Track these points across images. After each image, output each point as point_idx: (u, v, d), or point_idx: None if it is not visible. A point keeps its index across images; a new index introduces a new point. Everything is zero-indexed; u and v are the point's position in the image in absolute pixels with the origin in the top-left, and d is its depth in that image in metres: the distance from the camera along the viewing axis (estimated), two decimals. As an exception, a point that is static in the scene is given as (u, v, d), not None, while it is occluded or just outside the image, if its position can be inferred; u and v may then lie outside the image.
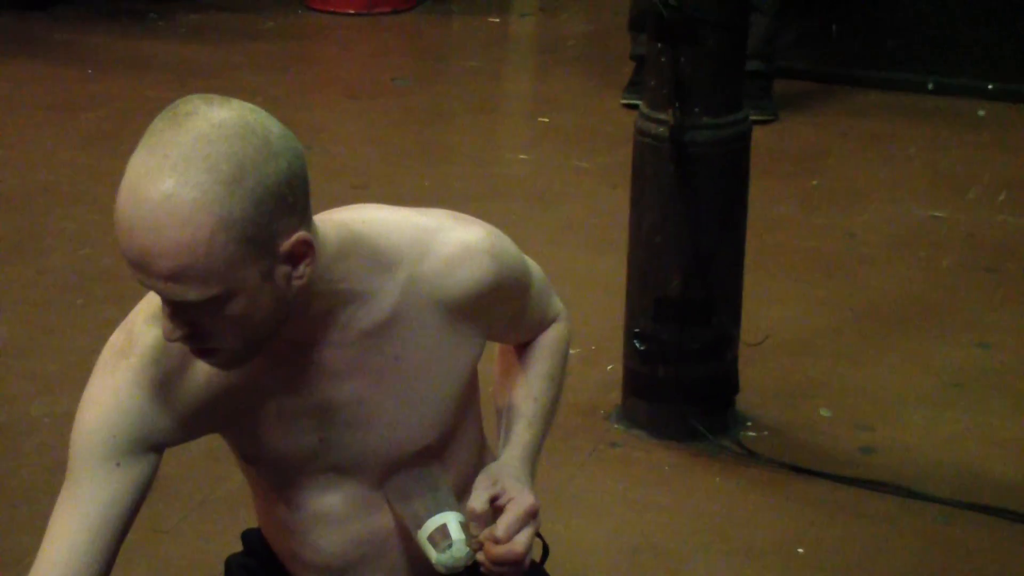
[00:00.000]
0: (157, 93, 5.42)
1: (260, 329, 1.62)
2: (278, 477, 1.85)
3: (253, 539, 2.06)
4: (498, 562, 1.77)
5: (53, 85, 5.53)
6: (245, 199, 1.53)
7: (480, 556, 1.78)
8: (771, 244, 4.05)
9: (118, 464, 1.72)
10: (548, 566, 2.01)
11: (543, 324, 1.99)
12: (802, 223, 4.37)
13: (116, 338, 1.76)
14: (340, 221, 1.72)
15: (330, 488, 1.85)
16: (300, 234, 1.59)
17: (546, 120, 5.33)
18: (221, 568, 2.10)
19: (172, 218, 1.51)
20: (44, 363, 3.45)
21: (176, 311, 1.58)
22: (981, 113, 5.25)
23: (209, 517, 2.87)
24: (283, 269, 1.60)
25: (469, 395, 1.88)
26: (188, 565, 2.67)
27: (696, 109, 2.99)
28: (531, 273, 1.91)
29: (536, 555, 1.99)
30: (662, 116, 3.01)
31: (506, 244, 1.83)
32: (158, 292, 1.57)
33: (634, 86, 5.14)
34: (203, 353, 1.65)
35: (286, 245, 1.58)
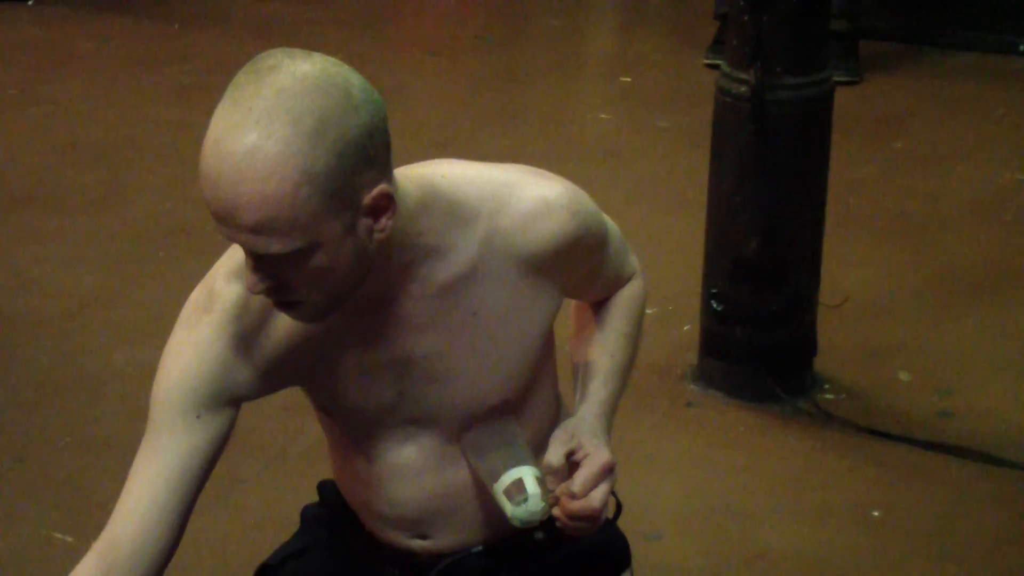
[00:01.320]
0: (241, 48, 5.45)
1: (343, 282, 1.64)
2: (356, 429, 1.87)
3: (328, 490, 2.08)
4: (574, 517, 1.78)
5: (138, 41, 5.58)
6: (328, 152, 1.54)
7: (556, 511, 1.79)
8: (852, 206, 4.02)
9: (198, 416, 1.74)
10: (621, 524, 2.02)
11: (619, 282, 1.99)
12: (884, 186, 4.34)
13: (198, 294, 1.78)
14: (420, 175, 1.73)
15: (407, 440, 1.86)
16: (382, 187, 1.60)
17: (628, 80, 5.31)
18: (297, 518, 2.13)
19: (256, 171, 1.52)
20: (126, 314, 3.50)
21: (260, 264, 1.60)
22: (1067, 76, 5.19)
23: (286, 469, 2.90)
24: (365, 222, 1.61)
25: (545, 351, 1.88)
26: (265, 514, 2.70)
27: (778, 69, 2.97)
28: (608, 230, 1.91)
29: (610, 512, 2.00)
30: (743, 75, 2.99)
31: (584, 200, 1.83)
32: (242, 245, 1.59)
33: (717, 45, 5.11)
34: (286, 306, 1.66)
35: (368, 198, 1.59)
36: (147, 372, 3.49)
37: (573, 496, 1.77)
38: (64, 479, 2.84)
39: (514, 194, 1.76)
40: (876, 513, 2.79)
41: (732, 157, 3.06)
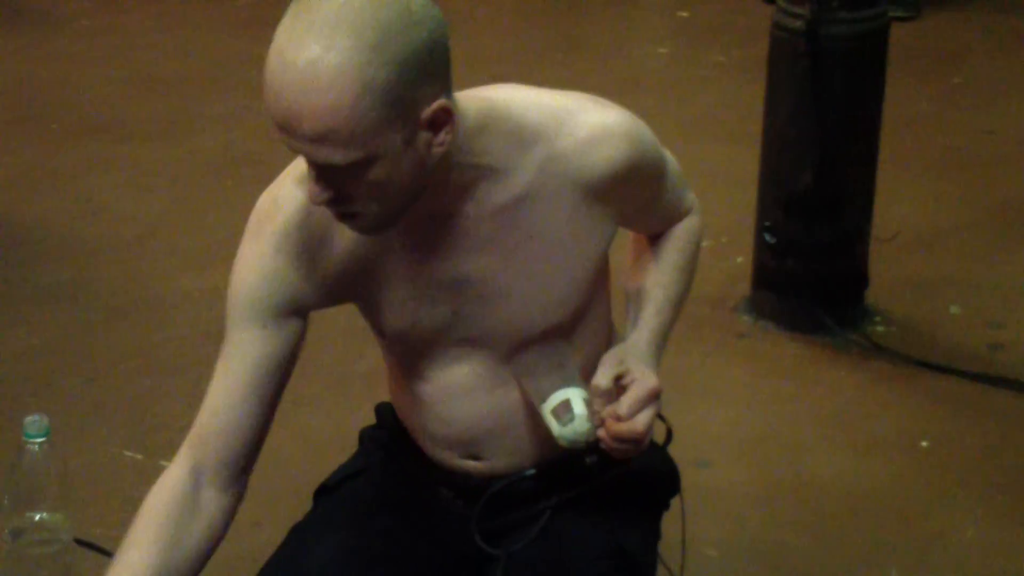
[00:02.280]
0: (305, -19, 5.44)
1: (401, 195, 1.64)
2: (411, 349, 1.88)
3: (385, 412, 2.09)
4: (618, 439, 1.78)
5: (206, -28, 5.58)
6: (388, 65, 1.54)
7: (601, 432, 1.79)
8: (907, 141, 3.98)
9: (264, 325, 1.78)
10: (672, 451, 2.02)
11: (676, 215, 1.98)
12: (939, 120, 4.29)
13: (263, 203, 1.79)
14: (481, 97, 1.73)
15: (461, 360, 1.87)
16: (441, 101, 1.60)
17: (685, 14, 5.27)
18: (356, 440, 2.15)
19: (318, 82, 1.53)
20: (193, 239, 3.52)
21: (321, 174, 1.61)
22: None
23: (346, 391, 2.92)
24: (424, 136, 1.61)
25: (599, 278, 1.88)
26: (326, 435, 2.73)
27: (833, 3, 2.94)
28: (666, 161, 1.90)
29: (659, 438, 2.00)
30: (799, 10, 2.97)
31: (643, 129, 1.82)
32: (304, 155, 1.60)
33: (775, -20, 5.05)
34: (346, 217, 1.67)
35: (427, 112, 1.59)
36: (213, 296, 3.54)
37: (619, 418, 1.77)
38: (133, 399, 2.88)
39: (574, 119, 1.76)
40: (924, 444, 2.78)
41: (787, 91, 3.03)
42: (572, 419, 1.78)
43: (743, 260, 3.32)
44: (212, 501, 1.83)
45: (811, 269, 3.11)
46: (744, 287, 3.25)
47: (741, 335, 3.15)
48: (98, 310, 3.23)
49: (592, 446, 1.82)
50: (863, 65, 3.02)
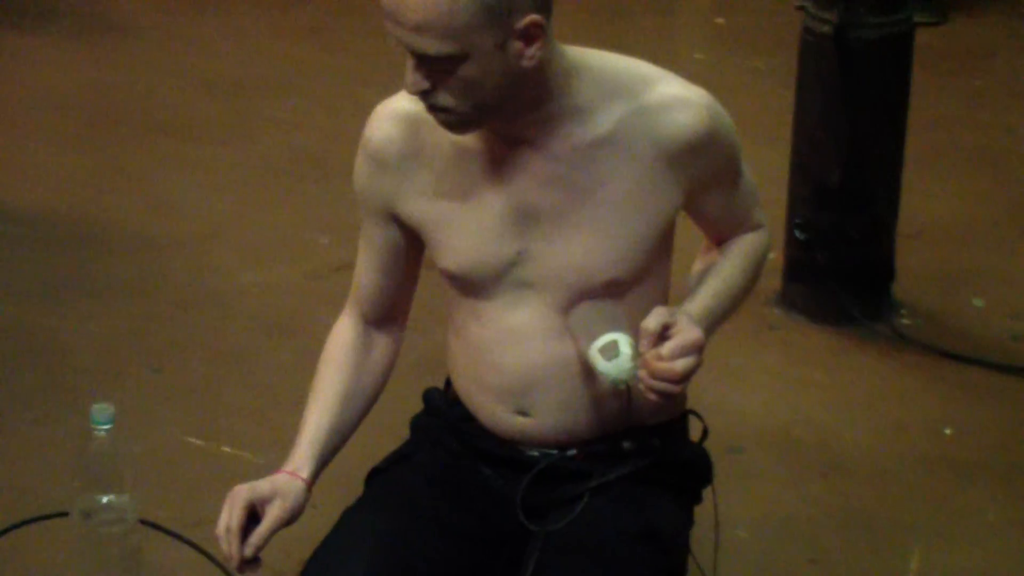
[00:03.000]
0: (361, -8, 5.46)
1: (488, 96, 1.69)
2: (474, 289, 1.89)
3: (432, 397, 2.10)
4: (657, 376, 1.75)
5: (268, -17, 5.60)
6: None
7: (641, 372, 1.77)
8: (933, 140, 3.94)
9: (375, 222, 1.93)
10: (709, 437, 2.01)
11: (747, 222, 1.97)
12: (964, 121, 4.26)
13: (366, 127, 1.90)
14: (580, 49, 1.79)
15: (519, 306, 1.87)
16: (535, 17, 1.65)
17: (722, 21, 5.24)
18: (406, 427, 2.15)
19: None
20: (254, 237, 3.53)
21: (419, 64, 1.68)
22: None
23: (398, 381, 2.90)
24: (516, 45, 1.66)
25: (661, 248, 1.87)
26: (377, 423, 2.71)
27: (860, 8, 2.94)
28: (742, 163, 1.92)
29: (695, 435, 1.99)
30: (828, 15, 2.95)
31: (724, 113, 1.86)
32: (405, 43, 1.66)
33: (807, -13, 5.02)
34: (435, 109, 1.73)
35: (521, 23, 1.65)
36: (272, 291, 3.56)
37: (660, 357, 1.75)
38: (196, 388, 2.89)
39: (662, 83, 1.80)
40: (948, 431, 2.76)
41: (816, 92, 3.02)
42: (617, 356, 1.77)
43: (775, 255, 3.28)
44: (379, 339, 2.02)
45: (840, 263, 3.10)
46: (776, 281, 3.23)
47: (773, 327, 3.13)
48: (165, 304, 3.24)
49: (630, 432, 1.80)
50: (889, 67, 3.00)
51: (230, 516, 1.91)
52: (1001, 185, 3.84)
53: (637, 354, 1.77)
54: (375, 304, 2.01)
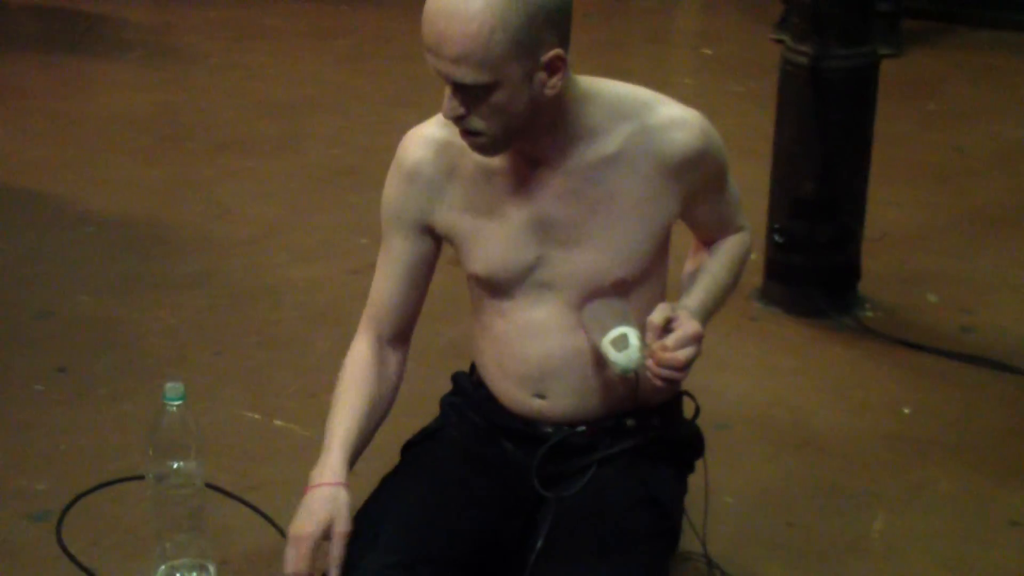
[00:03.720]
0: (396, 24, 5.45)
1: (514, 120, 1.69)
2: (498, 289, 1.89)
3: (461, 380, 2.09)
4: (663, 365, 1.75)
5: (313, 17, 5.60)
6: (522, 10, 1.61)
7: (648, 362, 1.76)
8: (892, 156, 3.92)
9: (405, 236, 1.91)
10: (701, 415, 2.00)
11: (731, 226, 1.97)
12: (918, 139, 4.24)
13: (404, 142, 1.90)
14: (591, 77, 1.79)
15: (538, 303, 1.87)
16: (558, 51, 1.66)
17: (708, 51, 5.22)
18: (436, 405, 2.14)
19: (464, 14, 1.60)
20: (302, 238, 3.52)
21: (456, 92, 1.67)
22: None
23: (427, 364, 2.90)
24: (540, 76, 1.66)
25: (660, 248, 1.87)
26: (411, 401, 2.70)
27: (832, 42, 2.91)
28: (729, 174, 1.93)
29: (688, 413, 1.98)
30: (804, 48, 2.93)
31: (715, 132, 1.86)
32: (444, 73, 1.66)
33: (783, 23, 5.01)
34: (468, 133, 1.73)
35: (546, 56, 1.65)
36: (317, 285, 3.55)
37: (665, 348, 1.75)
38: (252, 369, 2.88)
39: (663, 106, 1.81)
40: (906, 410, 2.74)
41: (793, 115, 3.00)
42: (627, 347, 1.76)
43: (756, 256, 3.27)
44: (392, 356, 2.00)
45: (812, 264, 3.08)
46: (757, 278, 3.21)
47: (754, 319, 3.12)
48: (224, 296, 3.24)
49: (633, 411, 1.80)
50: (856, 94, 2.99)
51: (297, 564, 1.80)
52: (952, 196, 3.82)
53: (644, 345, 1.76)
54: (394, 319, 1.97)
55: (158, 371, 2.81)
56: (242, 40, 5.31)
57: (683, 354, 1.74)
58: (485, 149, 1.75)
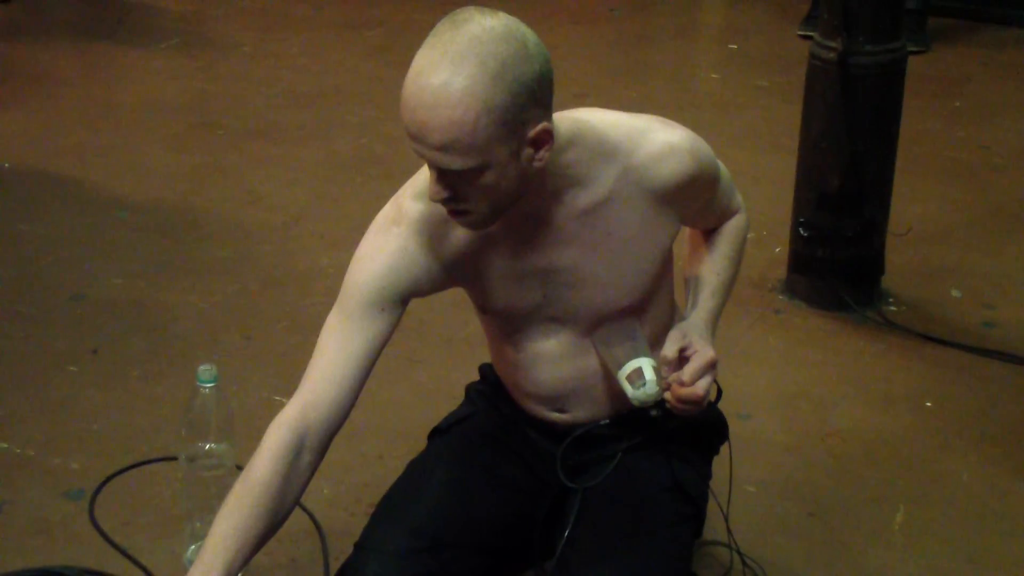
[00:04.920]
0: (423, 17, 5.44)
1: (504, 198, 1.64)
2: (508, 325, 1.87)
3: (487, 370, 2.09)
4: (682, 400, 1.77)
5: (344, 8, 5.60)
6: (505, 91, 1.53)
7: (667, 395, 1.78)
8: (918, 153, 3.91)
9: (383, 310, 1.75)
10: (720, 405, 2.00)
11: (727, 214, 1.96)
12: (944, 136, 4.21)
13: (388, 209, 1.78)
14: (571, 118, 1.71)
15: (549, 335, 1.86)
16: (544, 124, 1.59)
17: (735, 46, 5.20)
18: (462, 392, 2.15)
19: (446, 101, 1.52)
20: (330, 225, 3.54)
21: (441, 176, 1.60)
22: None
23: (453, 352, 2.92)
24: (528, 151, 1.60)
25: (664, 267, 1.86)
26: (436, 388, 2.73)
27: (860, 39, 2.89)
28: (720, 171, 1.88)
29: (712, 396, 1.98)
30: (832, 43, 2.92)
31: (702, 145, 1.80)
32: (429, 160, 1.59)
33: (810, 19, 4.99)
34: (457, 214, 1.66)
35: (532, 132, 1.59)
36: (345, 271, 3.54)
37: (682, 383, 1.76)
38: (281, 353, 2.90)
39: (646, 137, 1.74)
40: (928, 403, 2.73)
41: (820, 110, 2.99)
42: (644, 384, 1.77)
43: (781, 249, 3.28)
44: (309, 466, 1.74)
45: (837, 257, 3.07)
46: (781, 271, 3.20)
47: (778, 311, 3.11)
48: (255, 281, 3.25)
49: (658, 404, 1.81)
50: (884, 89, 2.97)
51: None
52: (977, 192, 3.80)
53: (660, 377, 1.77)
54: (330, 421, 1.75)
55: (189, 354, 2.83)
56: (273, 30, 5.32)
57: (702, 386, 1.75)
58: (475, 226, 1.68)
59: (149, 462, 2.45)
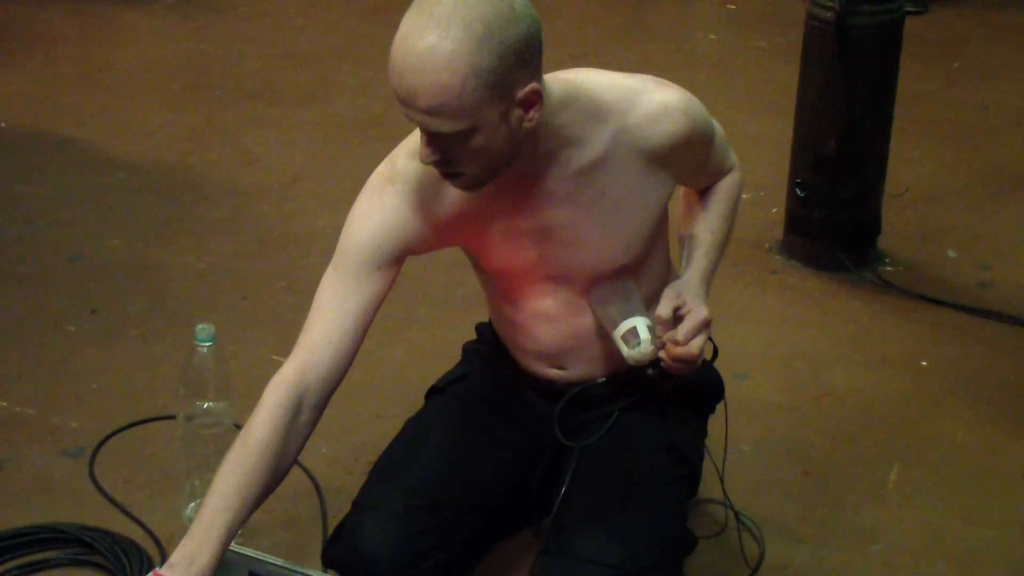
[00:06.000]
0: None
1: (496, 160, 1.63)
2: (505, 284, 1.87)
3: (484, 330, 2.09)
4: (676, 359, 1.77)
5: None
6: (492, 53, 1.53)
7: (662, 354, 1.78)
8: (915, 114, 3.89)
9: (378, 268, 1.76)
10: (717, 365, 2.00)
11: (721, 172, 1.95)
12: (942, 97, 4.20)
13: (383, 168, 1.78)
14: (565, 79, 1.71)
15: (546, 293, 1.86)
16: (532, 85, 1.59)
17: (732, 6, 5.18)
18: (459, 351, 2.15)
19: (433, 65, 1.52)
20: (328, 186, 3.53)
21: (432, 140, 1.60)
22: (1103, 10, 4.97)
23: (450, 312, 2.92)
24: (517, 113, 1.60)
25: (659, 226, 1.86)
26: (433, 348, 2.73)
27: (859, -1, 2.88)
28: (715, 130, 1.87)
29: (707, 355, 1.98)
30: (830, 3, 2.90)
31: (696, 105, 1.79)
32: (419, 124, 1.59)
33: (808, -21, 4.96)
34: (450, 176, 1.66)
35: (521, 93, 1.58)
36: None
37: (676, 343, 1.76)
38: (279, 314, 2.90)
39: (641, 98, 1.73)
40: (924, 363, 2.74)
41: (818, 71, 2.97)
42: (639, 343, 1.77)
43: (777, 210, 3.27)
44: (307, 424, 1.74)
45: (833, 218, 3.07)
46: (778, 232, 3.20)
47: (774, 271, 3.11)
48: (252, 241, 3.24)
49: (654, 363, 1.81)
50: (881, 50, 2.95)
51: None
52: (973, 154, 3.79)
53: (655, 336, 1.77)
54: (328, 379, 1.75)
55: (187, 314, 2.82)
56: (270, -10, 5.29)
57: (696, 345, 1.75)
58: (469, 187, 1.67)
59: (148, 420, 2.46)
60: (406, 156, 1.75)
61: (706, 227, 1.93)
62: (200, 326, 2.04)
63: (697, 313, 1.77)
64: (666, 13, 5.14)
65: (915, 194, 3.43)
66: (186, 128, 3.93)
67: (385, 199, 1.75)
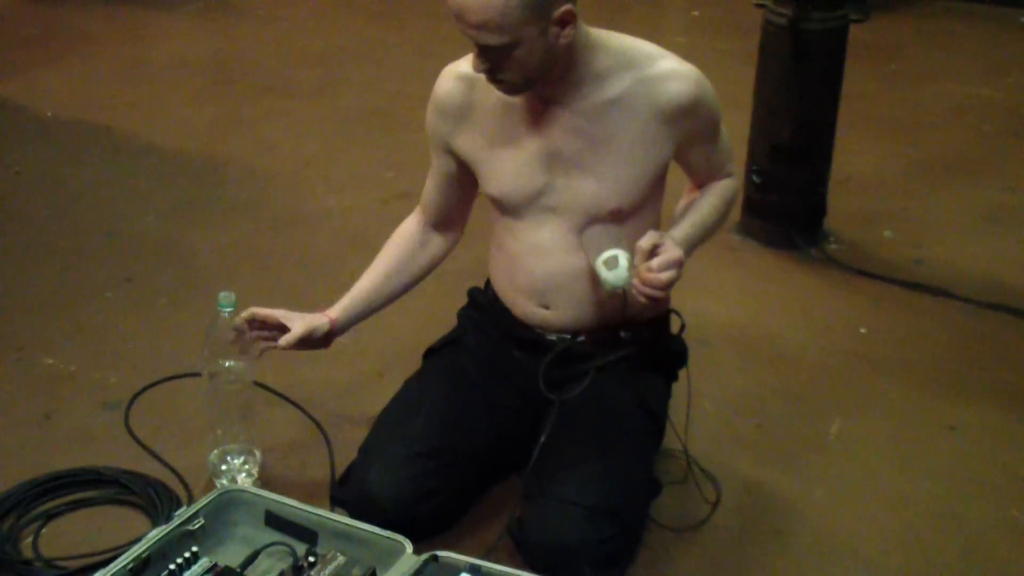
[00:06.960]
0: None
1: (535, 71, 1.72)
2: (510, 210, 1.90)
3: (476, 294, 2.10)
4: (646, 284, 1.76)
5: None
6: None
7: (635, 280, 1.77)
8: (857, 110, 3.90)
9: (437, 155, 1.97)
10: (685, 335, 2.01)
11: (720, 171, 1.97)
12: (881, 96, 4.20)
13: (440, 77, 1.92)
14: (601, 31, 1.80)
15: (544, 225, 1.88)
16: (567, 7, 1.68)
17: (696, 13, 5.17)
18: (454, 317, 2.15)
19: None
20: (335, 171, 3.52)
21: (482, 52, 1.70)
22: (1022, 20, 4.96)
23: (445, 282, 2.91)
24: (554, 30, 1.68)
25: (655, 185, 1.88)
26: (430, 315, 2.71)
27: (809, 6, 2.88)
28: (721, 125, 1.90)
29: (675, 328, 1.99)
30: (784, 11, 2.90)
31: (709, 85, 1.86)
32: (470, 37, 1.69)
33: (764, -10, 4.95)
34: (495, 82, 1.75)
35: (557, 13, 1.67)
36: (349, 212, 3.54)
37: (650, 269, 1.76)
38: (292, 285, 2.89)
39: (663, 59, 1.82)
40: (863, 330, 2.75)
41: (774, 71, 2.98)
42: (616, 268, 1.77)
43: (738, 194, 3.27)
44: (435, 236, 2.07)
45: (786, 202, 3.07)
46: (737, 214, 3.20)
47: (734, 249, 3.12)
48: (269, 221, 3.24)
49: (627, 323, 1.80)
50: (829, 53, 2.96)
51: (259, 313, 2.00)
52: (909, 146, 3.80)
53: (632, 266, 1.76)
54: (433, 213, 2.05)
55: (211, 284, 2.82)
56: (285, -4, 5.26)
57: (665, 276, 1.75)
58: (510, 92, 1.78)
59: (176, 377, 2.46)
60: (442, 80, 1.90)
61: (698, 210, 1.95)
62: (222, 294, 2.04)
63: (672, 251, 1.77)
64: (637, 18, 5.12)
65: (858, 181, 3.44)
66: (210, 119, 3.92)
67: (429, 108, 1.94)
